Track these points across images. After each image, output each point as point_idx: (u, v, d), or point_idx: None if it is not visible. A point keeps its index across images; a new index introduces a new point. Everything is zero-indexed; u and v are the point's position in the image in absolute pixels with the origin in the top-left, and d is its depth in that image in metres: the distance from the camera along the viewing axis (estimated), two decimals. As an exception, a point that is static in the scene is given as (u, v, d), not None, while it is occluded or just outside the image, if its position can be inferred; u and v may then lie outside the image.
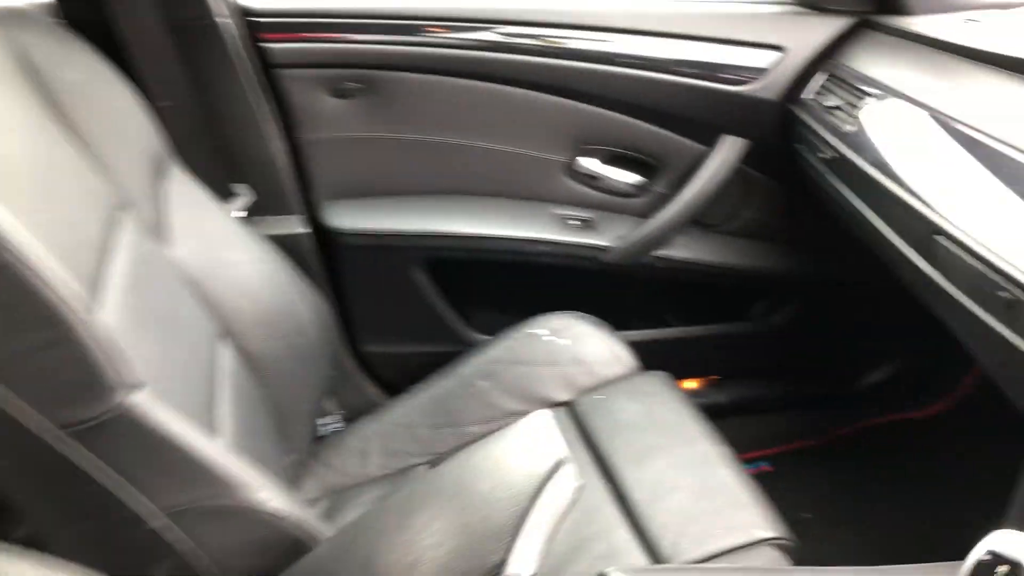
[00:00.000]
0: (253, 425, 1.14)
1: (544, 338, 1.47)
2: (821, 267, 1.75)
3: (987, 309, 1.02)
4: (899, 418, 1.92)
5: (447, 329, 1.64)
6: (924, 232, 1.13)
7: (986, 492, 1.68)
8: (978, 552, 0.82)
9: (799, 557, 1.13)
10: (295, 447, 1.30)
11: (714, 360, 1.84)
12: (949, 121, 1.20)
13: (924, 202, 1.14)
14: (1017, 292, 0.95)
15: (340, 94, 1.46)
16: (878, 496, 1.75)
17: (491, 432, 1.39)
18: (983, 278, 1.01)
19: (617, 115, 1.56)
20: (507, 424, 1.38)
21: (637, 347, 1.51)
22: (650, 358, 1.48)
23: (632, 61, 1.51)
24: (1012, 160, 1.06)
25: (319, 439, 1.46)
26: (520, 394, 1.42)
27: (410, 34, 1.43)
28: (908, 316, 1.66)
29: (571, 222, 1.61)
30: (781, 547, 1.11)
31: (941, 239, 1.10)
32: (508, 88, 1.51)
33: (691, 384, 1.86)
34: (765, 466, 1.83)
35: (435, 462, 1.38)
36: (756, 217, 1.70)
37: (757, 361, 1.87)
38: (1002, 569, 0.80)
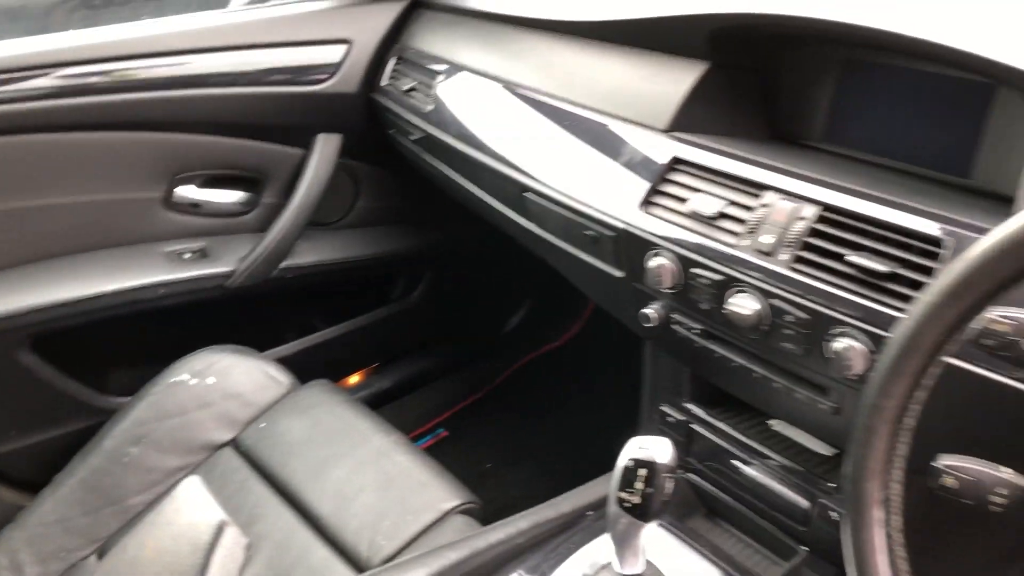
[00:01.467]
0: None
1: (189, 383, 1.39)
2: (442, 238, 1.85)
3: (577, 246, 1.15)
4: (544, 351, 2.10)
5: (78, 404, 1.49)
6: (514, 192, 1.24)
7: (631, 397, 1.91)
8: (621, 461, 0.93)
9: (485, 514, 1.20)
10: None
11: (370, 349, 1.88)
12: (511, 86, 1.31)
13: (510, 165, 1.24)
14: (599, 229, 1.08)
15: None
16: (543, 427, 1.91)
17: (158, 498, 1.32)
18: (570, 222, 1.14)
19: (205, 137, 1.50)
20: (172, 485, 1.33)
21: (292, 361, 1.49)
22: (309, 367, 1.48)
23: (206, 80, 1.45)
24: (571, 114, 1.19)
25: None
26: (178, 448, 1.34)
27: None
28: (528, 261, 1.82)
29: (185, 256, 1.53)
30: (468, 511, 1.18)
31: (530, 195, 1.21)
32: (78, 135, 1.38)
33: (355, 379, 1.88)
34: (442, 432, 1.91)
35: (103, 548, 1.26)
36: (371, 205, 1.74)
37: (409, 338, 1.93)
38: (642, 472, 0.92)
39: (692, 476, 1.14)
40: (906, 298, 0.78)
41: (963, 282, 0.57)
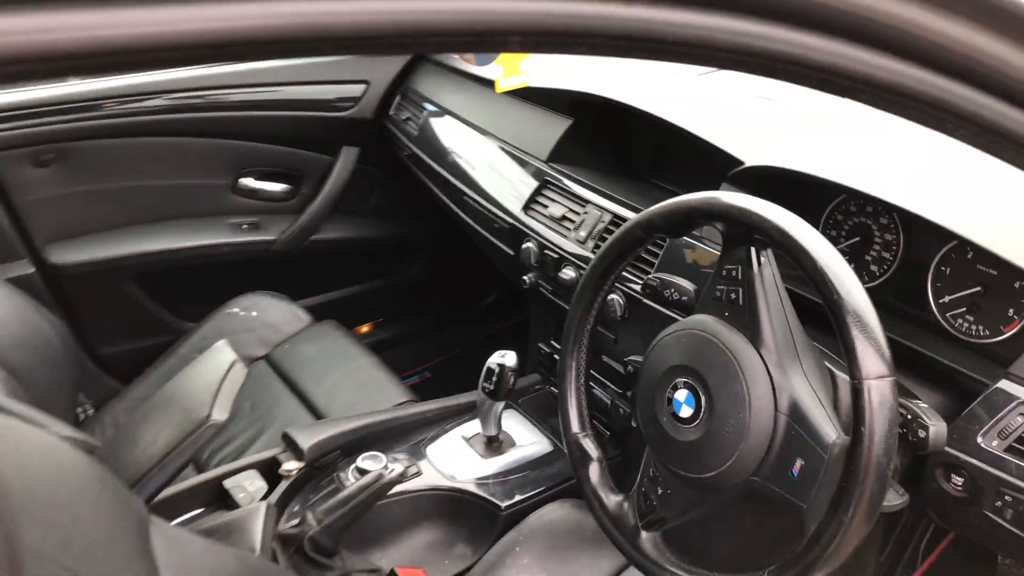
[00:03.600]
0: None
1: (239, 314, 2.01)
2: (435, 228, 2.43)
3: (492, 234, 1.73)
4: (517, 321, 2.66)
5: (162, 323, 2.12)
6: (458, 195, 1.82)
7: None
8: (486, 365, 1.49)
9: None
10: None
11: (376, 307, 2.47)
12: (464, 121, 1.90)
13: (457, 176, 1.83)
14: (501, 223, 1.66)
15: (41, 164, 1.87)
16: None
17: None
18: (488, 217, 1.72)
19: (262, 145, 2.12)
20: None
21: (316, 309, 2.08)
22: (329, 314, 2.06)
23: (264, 105, 2.08)
24: (494, 145, 1.77)
25: (78, 424, 1.90)
26: (228, 357, 1.95)
27: (90, 111, 1.88)
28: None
29: (243, 226, 2.16)
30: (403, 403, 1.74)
31: (467, 198, 1.79)
32: (176, 139, 2.01)
33: (365, 328, 2.48)
34: (428, 374, 2.49)
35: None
36: (383, 201, 2.35)
37: (408, 302, 2.52)
38: (496, 370, 1.47)
39: (554, 389, 1.70)
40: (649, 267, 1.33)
41: (604, 254, 1.13)
